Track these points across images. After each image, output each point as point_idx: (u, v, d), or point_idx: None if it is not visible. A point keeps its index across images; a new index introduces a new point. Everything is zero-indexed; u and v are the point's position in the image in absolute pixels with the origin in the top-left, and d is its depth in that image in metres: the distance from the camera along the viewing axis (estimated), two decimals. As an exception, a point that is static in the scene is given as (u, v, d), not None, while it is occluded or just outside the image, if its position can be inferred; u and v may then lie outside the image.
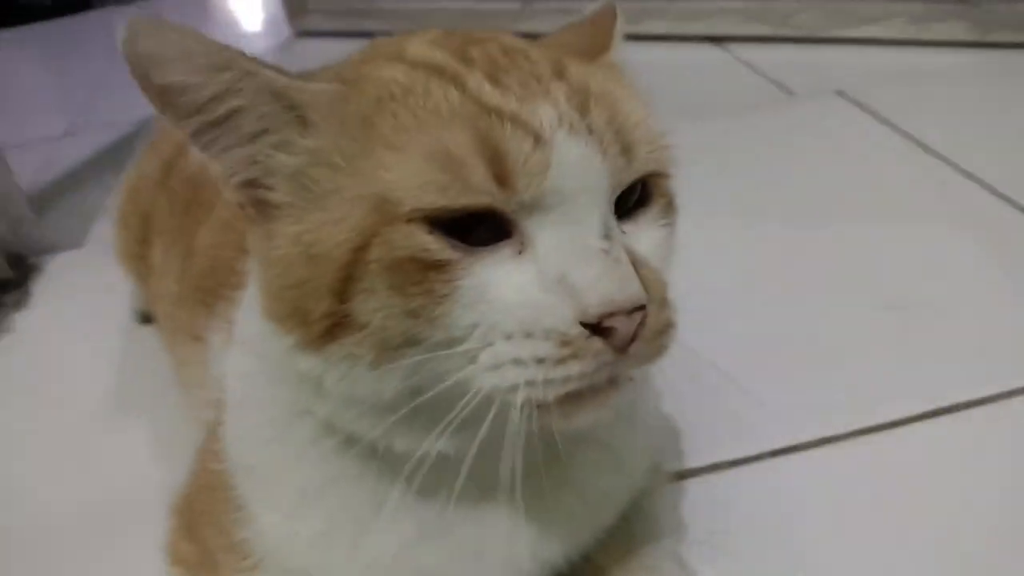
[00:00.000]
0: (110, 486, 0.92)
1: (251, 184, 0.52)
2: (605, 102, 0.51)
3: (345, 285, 0.48)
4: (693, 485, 0.83)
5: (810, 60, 1.85)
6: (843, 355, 0.98)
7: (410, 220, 0.47)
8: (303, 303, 0.50)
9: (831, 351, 0.99)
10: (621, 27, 0.62)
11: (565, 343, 0.47)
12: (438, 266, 0.47)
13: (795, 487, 0.82)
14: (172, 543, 0.72)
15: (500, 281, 0.48)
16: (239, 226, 0.70)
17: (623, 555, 0.69)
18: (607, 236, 0.49)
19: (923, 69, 1.74)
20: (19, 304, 1.31)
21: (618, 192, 0.52)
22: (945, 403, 0.89)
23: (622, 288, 0.47)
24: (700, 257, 1.03)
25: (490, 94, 0.49)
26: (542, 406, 0.49)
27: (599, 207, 0.49)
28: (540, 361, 0.47)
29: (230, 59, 0.49)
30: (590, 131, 0.49)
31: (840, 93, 1.65)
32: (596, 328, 0.47)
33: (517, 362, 0.48)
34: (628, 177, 0.51)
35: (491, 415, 0.49)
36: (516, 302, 0.48)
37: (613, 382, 0.50)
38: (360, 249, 0.48)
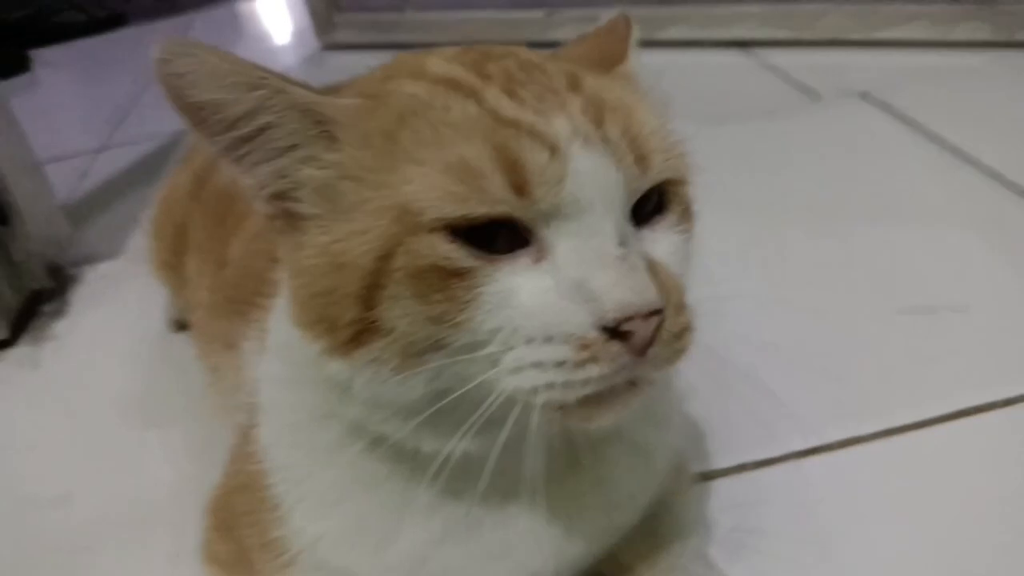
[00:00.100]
0: (145, 488, 0.94)
1: (280, 197, 0.54)
2: (620, 113, 0.52)
3: (371, 293, 0.50)
4: (719, 486, 0.84)
5: (834, 63, 1.84)
6: (867, 357, 0.98)
7: (432, 230, 0.49)
8: (331, 310, 0.52)
9: (855, 353, 0.99)
10: (636, 37, 0.63)
11: (584, 347, 0.48)
12: (460, 274, 0.49)
13: (819, 488, 0.82)
14: (207, 542, 0.74)
15: (520, 287, 0.50)
16: (270, 237, 0.72)
17: (649, 554, 0.70)
18: (623, 243, 0.50)
19: (947, 71, 1.73)
20: (58, 313, 1.35)
21: (634, 200, 0.53)
22: (968, 405, 0.89)
23: (639, 293, 0.48)
24: (726, 260, 1.05)
25: (507, 107, 0.50)
26: (563, 408, 0.51)
27: (615, 215, 0.51)
28: (560, 364, 0.49)
29: (260, 77, 0.51)
30: (605, 141, 0.50)
31: (865, 96, 1.65)
32: (614, 332, 0.48)
33: (537, 365, 0.49)
34: (644, 185, 0.53)
35: (513, 416, 0.51)
36: (536, 308, 0.49)
37: (632, 384, 0.51)
38: (385, 258, 0.49)
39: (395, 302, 0.50)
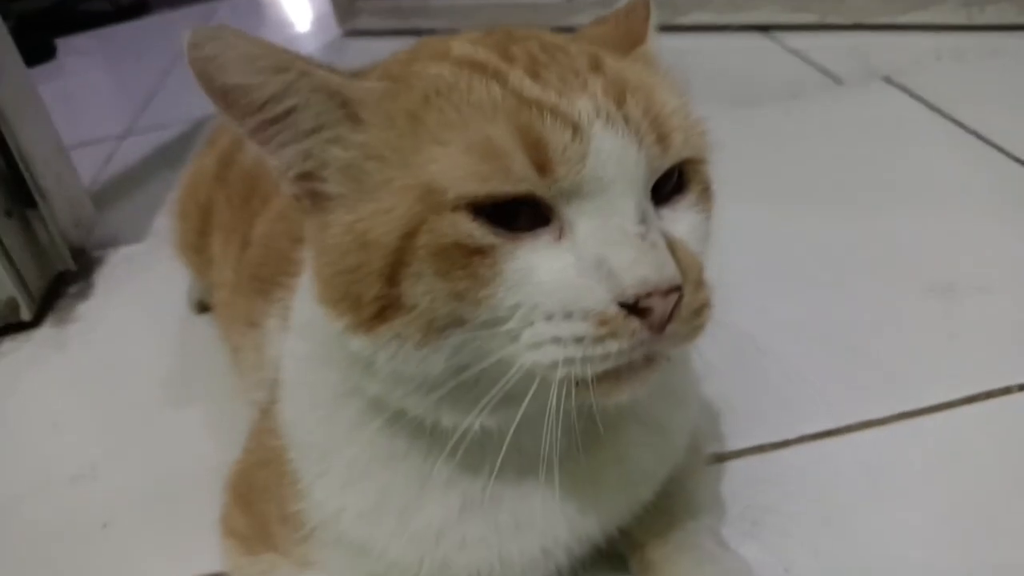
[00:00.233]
0: (167, 465, 0.96)
1: (306, 177, 0.55)
2: (641, 93, 0.53)
3: (395, 270, 0.51)
4: (735, 466, 0.84)
5: (857, 47, 1.83)
6: (887, 339, 0.98)
7: (455, 208, 0.49)
8: (355, 287, 0.53)
9: (875, 335, 0.99)
10: (655, 19, 0.64)
11: (603, 323, 0.49)
12: (482, 251, 0.50)
13: (836, 470, 0.83)
14: (226, 516, 0.76)
15: (541, 265, 0.50)
16: (294, 217, 0.73)
17: (662, 531, 0.70)
18: (643, 221, 0.51)
19: (971, 54, 1.71)
20: (82, 295, 1.38)
21: (655, 178, 0.53)
22: (987, 388, 0.88)
23: (658, 270, 0.49)
24: (749, 242, 1.05)
25: (530, 88, 0.51)
26: (581, 383, 0.51)
27: (635, 193, 0.51)
28: (579, 340, 0.50)
29: (287, 61, 0.52)
30: (626, 121, 0.51)
31: (888, 80, 1.64)
32: (633, 308, 0.49)
33: (557, 341, 0.50)
34: (664, 164, 0.53)
35: (532, 391, 0.52)
36: (556, 284, 0.50)
37: (649, 360, 0.52)
38: (409, 236, 0.50)
39: (418, 279, 0.51)
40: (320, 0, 2.74)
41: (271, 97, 0.53)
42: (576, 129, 0.50)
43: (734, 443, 0.87)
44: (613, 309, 0.49)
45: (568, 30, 0.63)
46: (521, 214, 0.50)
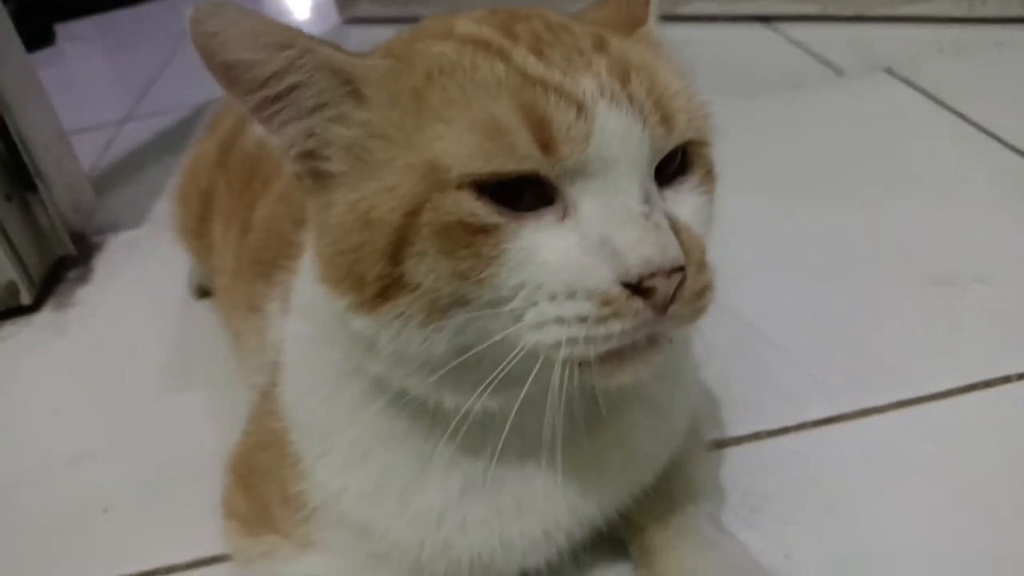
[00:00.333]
0: (167, 449, 0.96)
1: (309, 156, 0.55)
2: (645, 73, 0.52)
3: (398, 249, 0.51)
4: (734, 452, 0.85)
5: (859, 38, 1.82)
6: (887, 328, 0.98)
7: (459, 186, 0.49)
8: (358, 266, 0.53)
9: (875, 324, 0.99)
10: (655, 2, 0.63)
11: (606, 303, 0.49)
12: (485, 230, 0.50)
13: (836, 457, 0.83)
14: (227, 498, 0.75)
15: (544, 244, 0.50)
16: (295, 200, 0.73)
17: (662, 515, 0.71)
18: (647, 201, 0.51)
19: (973, 46, 1.71)
20: (82, 279, 1.38)
21: (658, 159, 0.53)
22: (987, 376, 0.89)
23: (661, 250, 0.49)
24: (750, 230, 1.05)
25: (535, 66, 0.51)
26: (583, 363, 0.51)
27: (639, 173, 0.51)
28: (582, 320, 0.49)
29: (291, 37, 0.52)
30: (631, 101, 0.51)
31: (889, 71, 1.64)
32: (636, 288, 0.49)
33: (560, 320, 0.50)
34: (668, 145, 0.53)
35: (534, 372, 0.52)
36: (560, 264, 0.50)
37: (652, 341, 0.52)
38: (412, 214, 0.50)
39: (421, 258, 0.51)
40: (319, -13, 2.73)
41: (274, 74, 0.53)
42: (580, 108, 0.49)
43: (734, 430, 0.87)
44: (616, 289, 0.49)
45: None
46: (525, 193, 0.50)
